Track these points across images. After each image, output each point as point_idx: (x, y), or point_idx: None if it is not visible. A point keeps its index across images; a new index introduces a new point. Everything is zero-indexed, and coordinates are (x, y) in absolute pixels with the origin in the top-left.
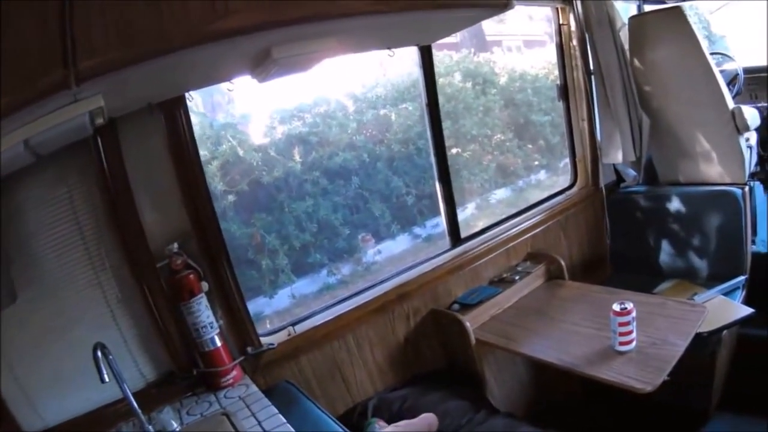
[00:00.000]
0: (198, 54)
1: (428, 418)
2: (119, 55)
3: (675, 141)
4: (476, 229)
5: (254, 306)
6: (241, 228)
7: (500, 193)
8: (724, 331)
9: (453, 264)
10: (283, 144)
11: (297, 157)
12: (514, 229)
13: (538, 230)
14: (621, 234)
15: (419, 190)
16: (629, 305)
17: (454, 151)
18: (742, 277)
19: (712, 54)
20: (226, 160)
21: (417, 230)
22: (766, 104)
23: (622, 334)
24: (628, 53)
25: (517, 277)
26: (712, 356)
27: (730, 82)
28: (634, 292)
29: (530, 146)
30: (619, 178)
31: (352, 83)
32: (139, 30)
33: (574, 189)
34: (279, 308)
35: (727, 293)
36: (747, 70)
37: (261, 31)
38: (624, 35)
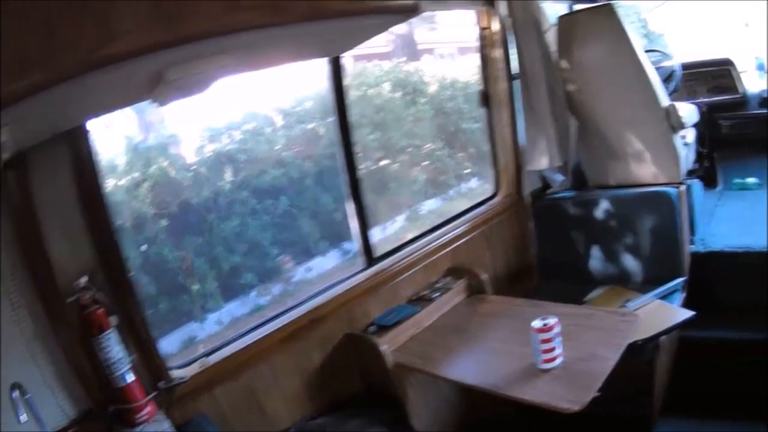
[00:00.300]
0: (91, 81)
1: None
2: (15, 87)
3: (604, 142)
4: (400, 243)
5: (188, 331)
6: (172, 251)
7: (431, 204)
8: (663, 337)
9: (368, 284)
10: (212, 163)
11: (227, 176)
12: (433, 244)
13: (460, 243)
14: (549, 242)
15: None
16: (551, 321)
17: (383, 162)
18: (681, 279)
19: (647, 52)
20: (156, 182)
21: (347, 246)
22: (704, 100)
23: (545, 351)
24: (556, 54)
25: (436, 294)
26: (650, 363)
27: (666, 80)
28: (559, 303)
29: (461, 154)
30: (546, 184)
31: (282, 97)
32: (33, 59)
33: (498, 198)
34: (212, 332)
35: (665, 296)
36: (686, 66)
37: (151, 52)
38: (551, 36)
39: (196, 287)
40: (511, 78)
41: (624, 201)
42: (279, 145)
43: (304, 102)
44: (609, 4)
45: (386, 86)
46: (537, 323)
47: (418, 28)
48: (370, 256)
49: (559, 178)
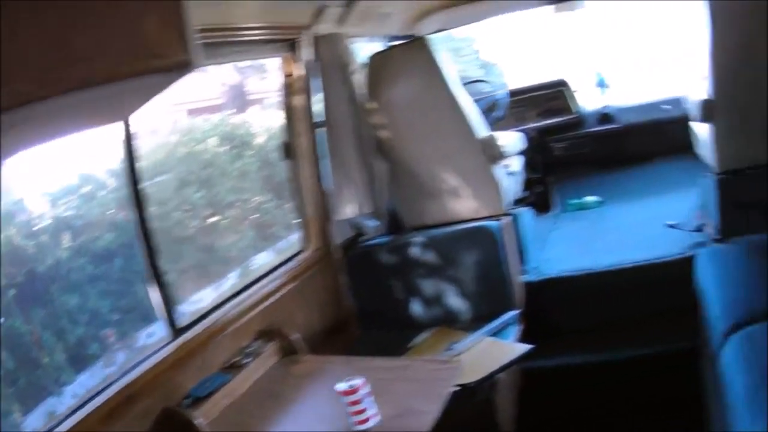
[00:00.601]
0: None
1: None
2: None
3: (418, 182)
4: (208, 308)
5: (49, 406)
6: (24, 324)
7: (262, 257)
8: (501, 373)
9: (179, 354)
10: (53, 229)
11: (65, 243)
12: (243, 305)
13: (270, 302)
14: (365, 291)
15: (183, 265)
16: (357, 381)
17: (212, 219)
18: (513, 312)
19: (471, 82)
20: (3, 251)
21: (182, 308)
22: (535, 124)
23: (355, 413)
24: (365, 96)
25: (247, 360)
26: (489, 403)
27: (490, 109)
28: (376, 356)
29: (288, 205)
30: (360, 233)
31: (112, 158)
32: None
33: (308, 251)
34: (71, 405)
35: (499, 332)
36: (516, 92)
37: None
38: (361, 78)
39: (47, 360)
40: (314, 126)
41: (442, 240)
42: (112, 208)
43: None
44: (422, 38)
45: (214, 140)
46: (341, 386)
47: (249, 78)
48: (174, 327)
49: (373, 224)
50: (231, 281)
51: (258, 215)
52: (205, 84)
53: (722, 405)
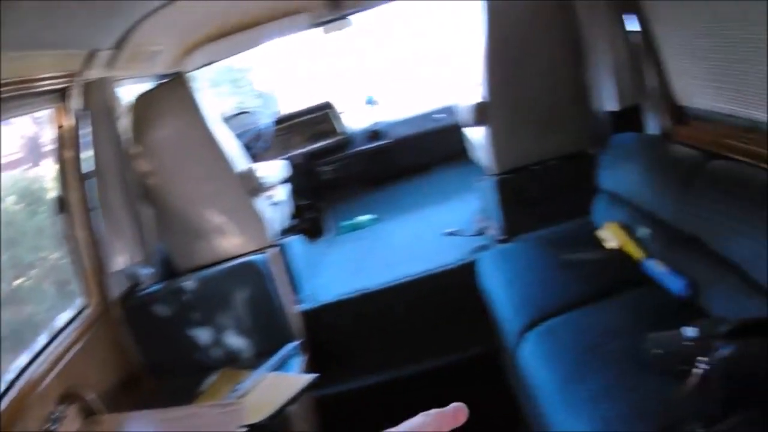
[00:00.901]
0: None
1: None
2: None
3: (185, 223)
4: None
5: None
6: None
7: (66, 316)
8: (290, 406)
9: None
10: None
11: None
12: (39, 371)
13: (62, 365)
14: (150, 340)
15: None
16: None
17: (17, 282)
18: (293, 344)
19: (235, 115)
20: None
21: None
22: (302, 150)
23: None
24: (131, 140)
25: (54, 426)
26: None
27: (255, 140)
28: (168, 408)
29: None
30: (137, 282)
31: None
32: None
33: (90, 308)
34: None
35: (281, 365)
36: (283, 119)
37: None
38: (126, 122)
39: None
40: (84, 177)
41: (211, 280)
42: None
43: None
44: (180, 74)
45: (12, 198)
46: None
47: (44, 128)
48: None
49: (147, 271)
50: (40, 344)
51: (56, 272)
52: (11, 138)
53: (532, 404)
